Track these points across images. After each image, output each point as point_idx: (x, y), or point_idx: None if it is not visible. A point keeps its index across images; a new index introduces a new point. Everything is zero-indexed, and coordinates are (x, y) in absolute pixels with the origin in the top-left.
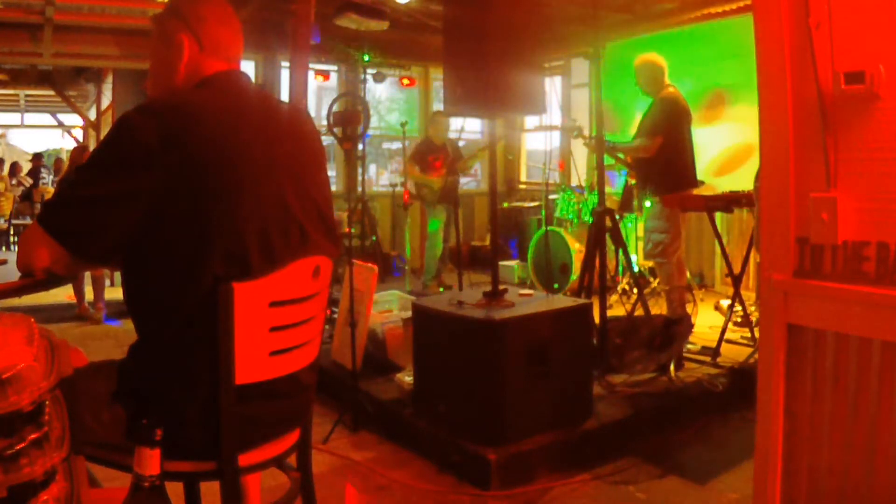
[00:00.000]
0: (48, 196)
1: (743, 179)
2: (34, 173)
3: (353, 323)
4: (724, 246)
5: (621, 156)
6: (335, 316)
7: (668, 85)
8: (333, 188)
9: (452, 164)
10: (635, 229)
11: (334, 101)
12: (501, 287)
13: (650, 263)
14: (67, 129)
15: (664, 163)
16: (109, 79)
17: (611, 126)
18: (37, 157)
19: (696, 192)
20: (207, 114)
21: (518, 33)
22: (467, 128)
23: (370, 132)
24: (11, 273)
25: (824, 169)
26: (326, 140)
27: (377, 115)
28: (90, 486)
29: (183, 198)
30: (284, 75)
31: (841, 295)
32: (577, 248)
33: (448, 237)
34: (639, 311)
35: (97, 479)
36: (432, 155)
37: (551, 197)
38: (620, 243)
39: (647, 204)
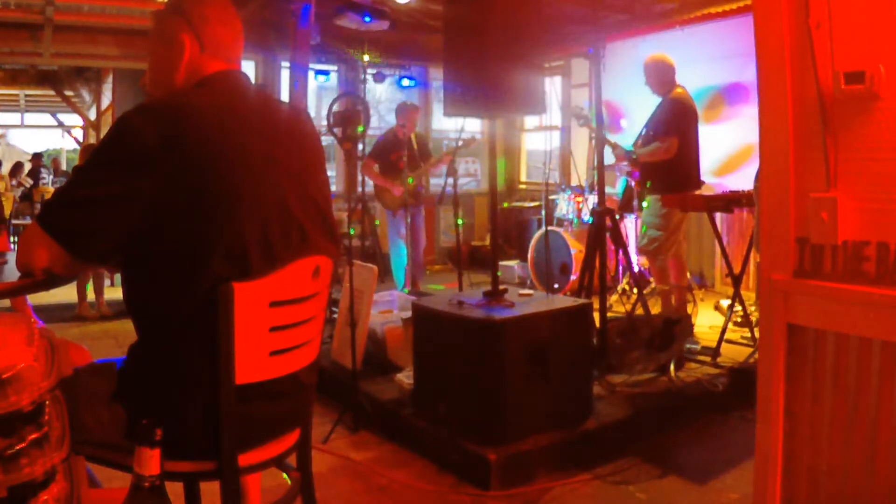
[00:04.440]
0: (48, 196)
1: (743, 179)
2: (34, 173)
3: (353, 323)
4: (724, 246)
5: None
6: (335, 316)
7: (678, 84)
8: (333, 188)
9: (416, 164)
10: (635, 229)
11: (334, 100)
12: (501, 287)
13: (644, 262)
14: (67, 129)
15: (670, 162)
16: (109, 79)
17: (611, 126)
18: (36, 157)
19: (696, 191)
20: (207, 114)
21: (518, 33)
22: (467, 128)
23: (370, 132)
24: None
25: (824, 169)
26: (326, 140)
27: (377, 115)
28: (90, 486)
29: (183, 198)
30: (284, 75)
31: (841, 295)
32: (577, 248)
33: (418, 241)
34: (639, 311)
35: (97, 479)
36: (395, 153)
37: (551, 197)
38: (620, 243)
39: (645, 203)
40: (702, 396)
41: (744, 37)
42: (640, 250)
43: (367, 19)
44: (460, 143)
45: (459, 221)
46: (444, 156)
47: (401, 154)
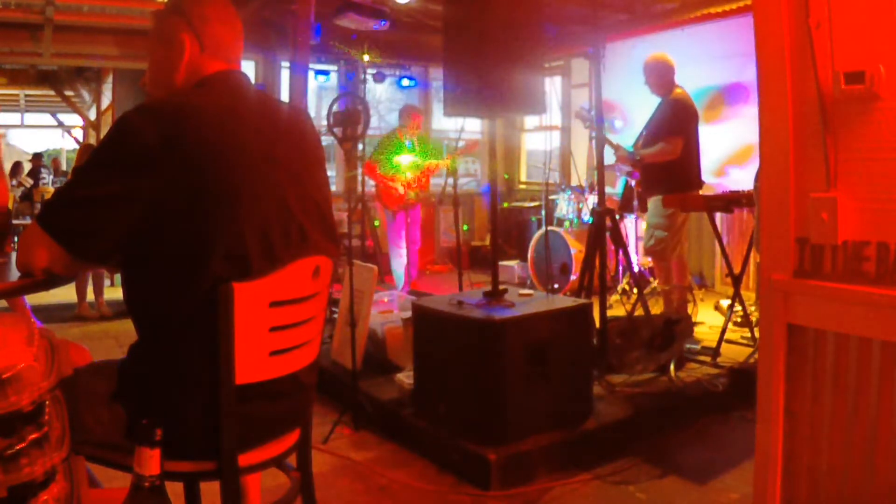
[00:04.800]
0: (48, 196)
1: (743, 179)
2: (34, 173)
3: (353, 323)
4: (724, 246)
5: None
6: (335, 316)
7: (678, 85)
8: (333, 188)
9: (417, 165)
10: (635, 229)
11: (334, 100)
12: (501, 287)
13: (651, 263)
14: (67, 129)
15: (673, 163)
16: (109, 79)
17: (610, 126)
18: (36, 157)
19: (697, 191)
20: (207, 114)
21: (518, 33)
22: (467, 127)
23: (370, 132)
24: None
25: (824, 169)
26: (326, 140)
27: (377, 115)
28: (90, 486)
29: (183, 198)
30: (284, 75)
31: (841, 295)
32: (577, 248)
33: (414, 241)
34: (639, 311)
35: (97, 479)
36: (399, 155)
37: (551, 197)
38: (620, 243)
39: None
40: (702, 396)
41: (744, 37)
42: (647, 251)
43: (384, 22)
44: (461, 144)
45: (465, 227)
46: (444, 160)
47: (402, 156)
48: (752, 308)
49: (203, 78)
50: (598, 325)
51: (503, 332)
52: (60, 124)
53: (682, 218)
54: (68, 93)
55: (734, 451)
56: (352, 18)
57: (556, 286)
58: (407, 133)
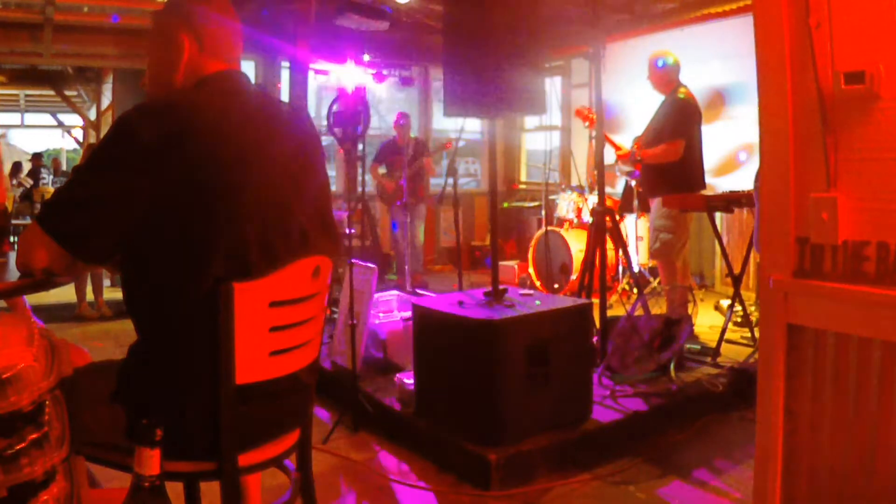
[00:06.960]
0: (48, 196)
1: (743, 179)
2: (34, 173)
3: (353, 323)
4: (724, 246)
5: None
6: (335, 316)
7: (682, 84)
8: (333, 188)
9: (410, 164)
10: (635, 229)
11: (334, 101)
12: (501, 287)
13: (651, 263)
14: (67, 129)
15: (675, 164)
16: (109, 79)
17: (610, 126)
18: (36, 157)
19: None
20: (207, 114)
21: (518, 33)
22: (467, 127)
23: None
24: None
25: (824, 169)
26: (326, 140)
27: (377, 115)
28: (90, 486)
29: (182, 198)
30: (285, 75)
31: (841, 295)
32: (577, 248)
33: (415, 237)
34: (639, 311)
35: (97, 479)
36: (393, 156)
37: (551, 197)
38: (620, 243)
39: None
40: (702, 396)
41: (744, 37)
42: (653, 254)
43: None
44: (435, 144)
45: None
46: (424, 160)
47: (396, 157)
48: (752, 308)
49: (202, 78)
50: (598, 325)
51: (503, 332)
52: (60, 124)
53: (687, 217)
54: (68, 93)
55: (734, 451)
56: (352, 18)
57: (556, 286)
58: (401, 138)
